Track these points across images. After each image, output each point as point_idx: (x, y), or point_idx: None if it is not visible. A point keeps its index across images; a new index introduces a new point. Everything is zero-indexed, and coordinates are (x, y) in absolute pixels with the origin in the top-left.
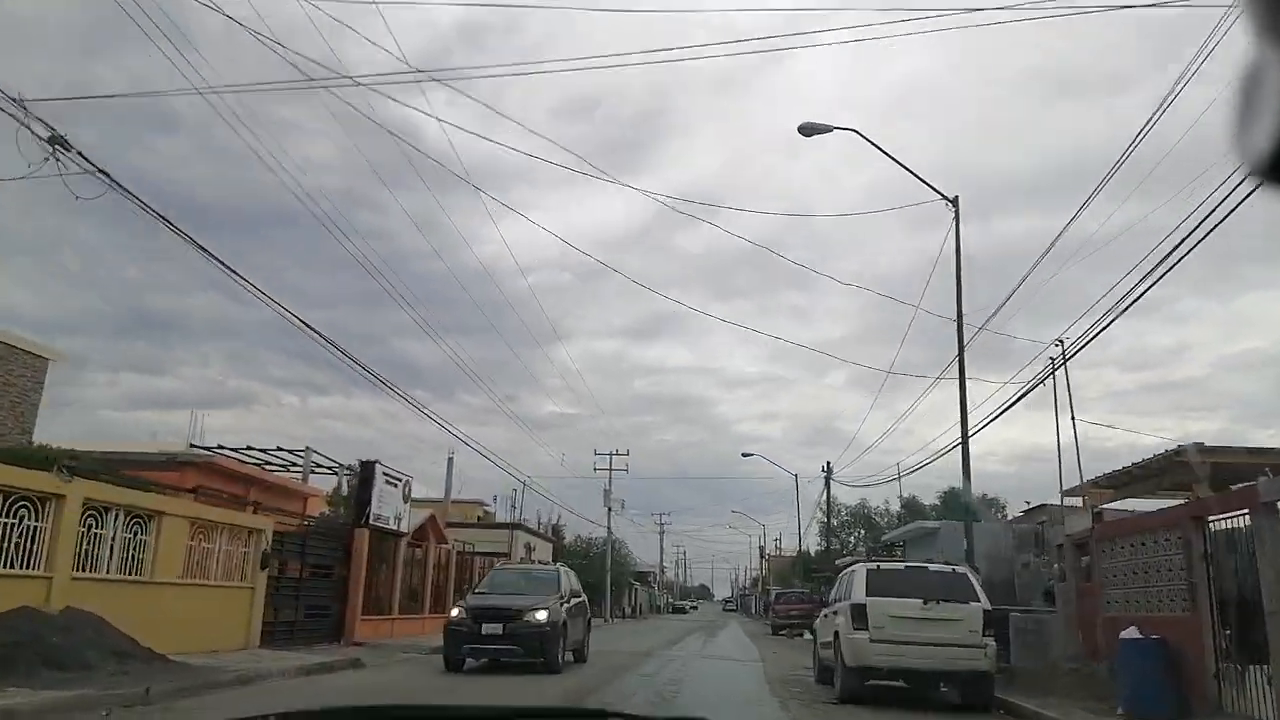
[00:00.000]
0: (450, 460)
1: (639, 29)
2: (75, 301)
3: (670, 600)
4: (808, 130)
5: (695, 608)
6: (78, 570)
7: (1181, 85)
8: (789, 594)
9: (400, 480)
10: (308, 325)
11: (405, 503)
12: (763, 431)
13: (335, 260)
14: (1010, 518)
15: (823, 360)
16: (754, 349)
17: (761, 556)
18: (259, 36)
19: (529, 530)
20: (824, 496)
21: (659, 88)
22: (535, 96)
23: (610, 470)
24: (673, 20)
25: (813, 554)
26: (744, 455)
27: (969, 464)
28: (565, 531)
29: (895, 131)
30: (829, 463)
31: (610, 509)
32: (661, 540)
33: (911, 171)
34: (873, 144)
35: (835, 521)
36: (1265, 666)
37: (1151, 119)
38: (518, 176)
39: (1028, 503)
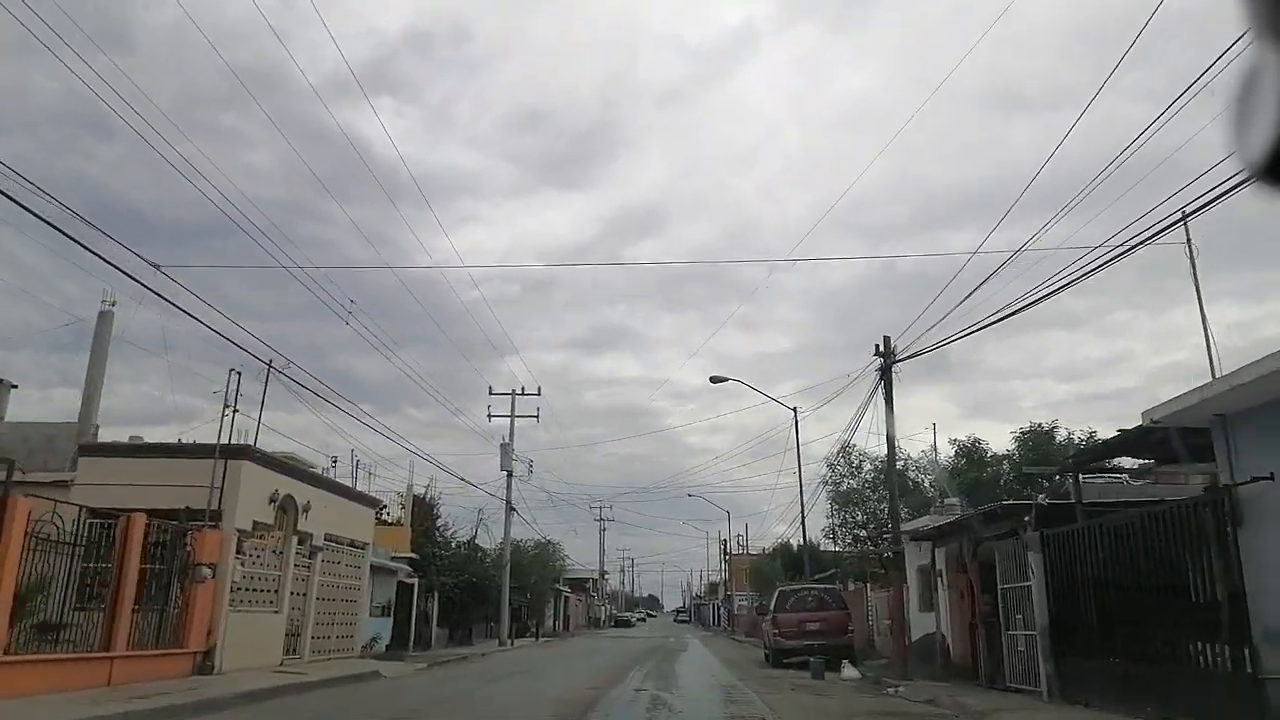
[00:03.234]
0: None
1: (588, 39)
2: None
3: (613, 612)
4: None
5: (642, 619)
6: None
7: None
8: (804, 595)
9: None
10: None
11: None
12: (710, 443)
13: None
14: None
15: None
16: (702, 360)
17: (723, 554)
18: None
19: (278, 466)
20: (877, 396)
21: (609, 102)
22: (485, 108)
23: (512, 416)
24: (621, 31)
25: (795, 545)
26: (712, 380)
27: None
28: (460, 519)
29: (844, 146)
30: (888, 338)
31: (511, 474)
32: (602, 540)
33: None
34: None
35: (854, 483)
36: None
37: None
38: (463, 188)
39: None
